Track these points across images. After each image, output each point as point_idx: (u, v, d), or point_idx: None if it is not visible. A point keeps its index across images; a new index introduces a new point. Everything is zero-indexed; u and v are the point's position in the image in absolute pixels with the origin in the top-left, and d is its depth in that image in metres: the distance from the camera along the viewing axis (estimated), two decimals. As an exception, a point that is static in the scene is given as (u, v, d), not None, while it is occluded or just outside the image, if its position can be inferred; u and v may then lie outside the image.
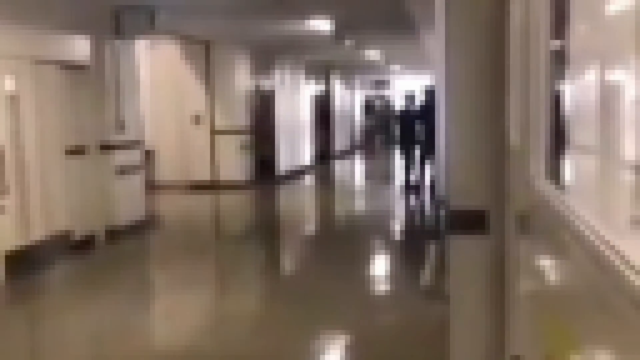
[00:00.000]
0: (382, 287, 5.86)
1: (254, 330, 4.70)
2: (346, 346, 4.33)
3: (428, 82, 13.90)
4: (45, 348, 4.60)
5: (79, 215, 7.13)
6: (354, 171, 16.61)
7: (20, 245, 6.27)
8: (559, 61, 1.36)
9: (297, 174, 13.99)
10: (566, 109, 1.35)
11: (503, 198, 2.38)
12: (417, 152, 11.12)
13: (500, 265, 2.41)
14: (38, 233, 6.53)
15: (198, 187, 11.52)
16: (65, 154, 7.03)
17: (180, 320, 5.03)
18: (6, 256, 6.04)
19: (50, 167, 6.79)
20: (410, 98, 11.95)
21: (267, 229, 9.01)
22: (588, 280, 0.85)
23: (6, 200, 6.08)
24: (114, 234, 7.53)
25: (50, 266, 6.48)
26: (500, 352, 2.22)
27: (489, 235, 2.47)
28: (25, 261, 6.23)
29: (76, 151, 7.18)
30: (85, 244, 7.16)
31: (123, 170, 7.80)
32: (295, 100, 15.04)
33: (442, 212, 7.82)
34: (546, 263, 1.19)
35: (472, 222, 2.49)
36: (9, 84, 6.12)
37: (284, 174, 13.36)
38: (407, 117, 11.49)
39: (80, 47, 7.09)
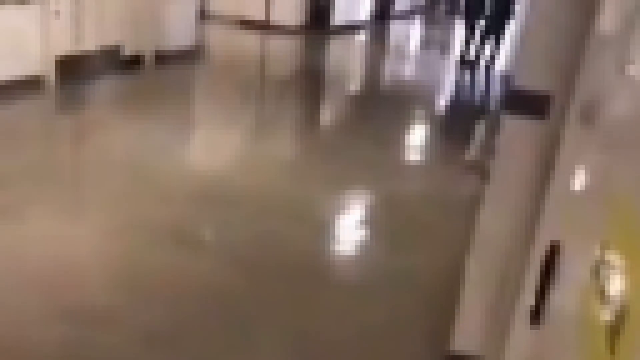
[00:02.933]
0: (421, 155, 5.85)
1: (284, 173, 4.81)
2: (371, 205, 4.42)
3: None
4: (84, 157, 4.81)
5: (130, 32, 7.09)
6: (412, 36, 15.97)
7: (72, 52, 6.34)
8: None
9: (352, 28, 13.50)
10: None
11: (571, 84, 2.26)
12: (481, 27, 10.54)
13: (550, 153, 2.34)
14: (89, 43, 6.56)
15: (249, 24, 11.27)
16: (122, -34, 6.84)
17: (215, 152, 5.17)
18: (58, 61, 6.14)
19: (107, -23, 6.64)
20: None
21: (314, 80, 8.90)
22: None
23: (60, 5, 6.05)
24: (162, 58, 7.53)
25: (98, 78, 6.59)
26: (530, 236, 2.23)
27: (547, 121, 2.39)
28: (75, 69, 6.34)
29: (133, -35, 6.98)
30: (133, 63, 7.21)
31: (178, -7, 7.62)
32: (362, -52, 14.10)
33: (503, 90, 7.58)
34: (624, 157, 1.13)
35: (533, 104, 2.40)
36: None
37: (338, 26, 12.92)
38: (477, -13, 10.74)
39: None
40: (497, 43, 10.30)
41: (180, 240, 3.45)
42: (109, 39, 6.83)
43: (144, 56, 7.41)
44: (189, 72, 7.86)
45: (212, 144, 5.41)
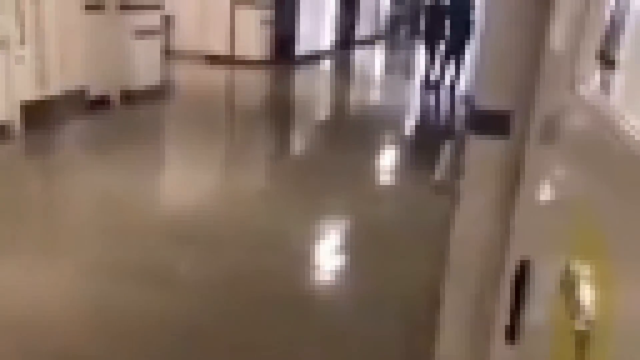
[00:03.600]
0: (390, 177, 5.92)
1: (259, 206, 4.81)
2: (343, 232, 4.45)
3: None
4: (52, 203, 4.75)
5: (95, 73, 7.08)
6: (375, 61, 16.23)
7: (37, 97, 6.29)
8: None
9: (316, 57, 13.69)
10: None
11: (531, 102, 2.32)
12: (442, 49, 10.78)
13: (516, 169, 2.40)
14: (54, 87, 6.52)
15: (215, 59, 11.34)
16: (84, 9, 6.85)
17: (187, 190, 5.15)
18: (24, 106, 6.08)
19: (69, 21, 6.64)
20: (442, -10, 11.36)
21: (281, 110, 8.97)
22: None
23: (24, 50, 6.02)
24: (129, 97, 7.52)
25: (65, 122, 6.54)
26: (502, 252, 2.26)
27: (510, 138, 2.44)
28: (41, 114, 6.28)
29: (95, 7, 6.99)
30: (100, 104, 7.18)
31: (142, 33, 7.64)
32: (322, -21, 14.37)
33: (466, 110, 7.72)
34: (581, 171, 1.18)
35: (495, 123, 2.46)
36: None
37: (302, 55, 13.08)
38: (437, 11, 11.00)
39: None
40: (458, 64, 10.53)
41: (154, 281, 3.41)
42: (75, 82, 6.81)
43: (110, 96, 7.39)
44: (157, 110, 7.86)
45: (183, 182, 5.39)
